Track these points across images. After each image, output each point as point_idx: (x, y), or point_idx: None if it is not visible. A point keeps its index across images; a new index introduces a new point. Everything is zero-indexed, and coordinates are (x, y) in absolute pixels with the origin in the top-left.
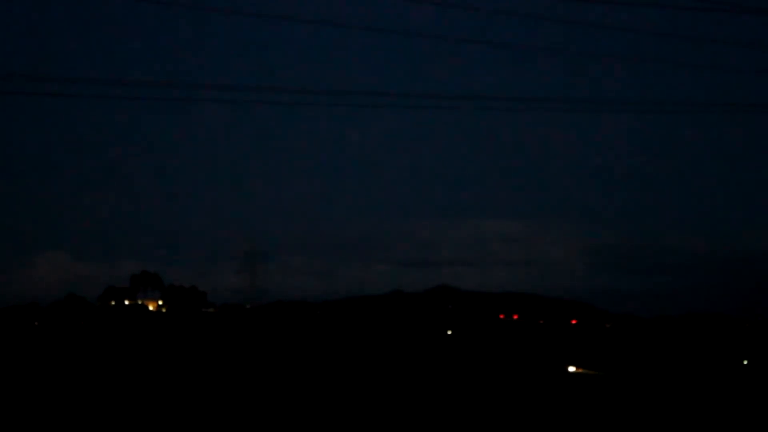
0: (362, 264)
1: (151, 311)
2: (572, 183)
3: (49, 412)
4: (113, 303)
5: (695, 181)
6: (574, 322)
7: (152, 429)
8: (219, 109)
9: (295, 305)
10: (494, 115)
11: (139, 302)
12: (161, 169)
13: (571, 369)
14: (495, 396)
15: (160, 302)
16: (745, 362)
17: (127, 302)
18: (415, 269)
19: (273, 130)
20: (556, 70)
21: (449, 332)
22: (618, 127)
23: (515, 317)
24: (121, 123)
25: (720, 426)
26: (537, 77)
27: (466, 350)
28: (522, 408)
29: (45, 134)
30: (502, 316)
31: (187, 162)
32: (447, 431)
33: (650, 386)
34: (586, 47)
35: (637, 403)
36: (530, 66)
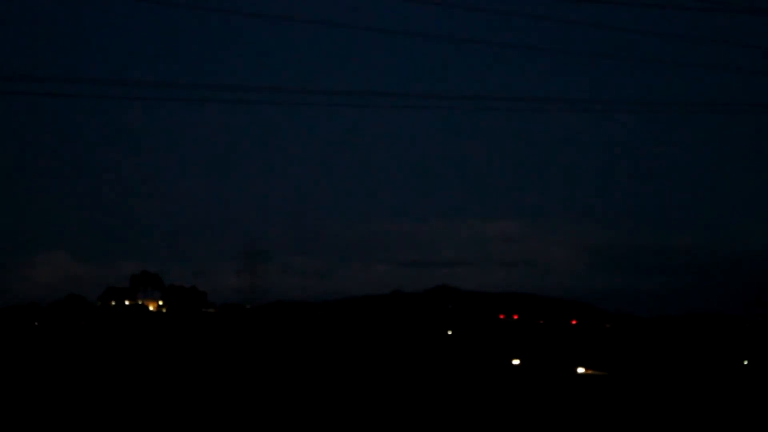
0: (362, 264)
1: (151, 311)
2: (572, 183)
3: (50, 412)
4: (113, 303)
5: (695, 181)
6: (574, 322)
7: (152, 429)
8: (219, 109)
9: (295, 305)
10: (494, 115)
11: (140, 302)
12: (161, 168)
13: (581, 370)
14: (501, 397)
15: (160, 302)
16: (745, 362)
17: (127, 302)
18: (415, 269)
19: (273, 130)
20: (556, 70)
21: (449, 332)
22: (618, 127)
23: (515, 317)
24: (121, 123)
25: (720, 426)
26: (537, 77)
27: (467, 350)
28: (533, 410)
29: (45, 134)
30: (502, 317)
31: (187, 162)
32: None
33: (653, 386)
34: (586, 47)
35: (648, 404)
36: (530, 66)
